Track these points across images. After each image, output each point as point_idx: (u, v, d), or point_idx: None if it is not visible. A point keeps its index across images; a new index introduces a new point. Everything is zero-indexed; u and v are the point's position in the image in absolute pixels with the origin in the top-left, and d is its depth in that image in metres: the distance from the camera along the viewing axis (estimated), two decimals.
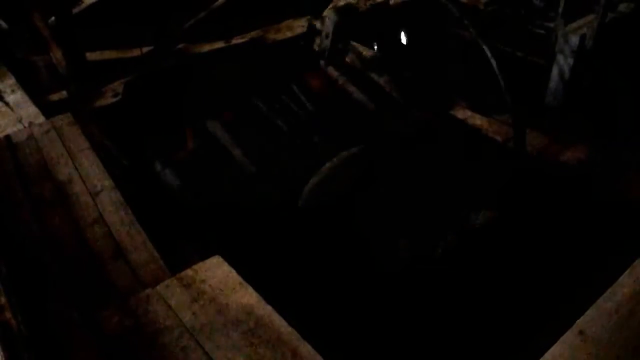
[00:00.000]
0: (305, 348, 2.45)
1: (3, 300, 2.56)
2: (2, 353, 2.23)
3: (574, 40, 4.12)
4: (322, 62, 4.59)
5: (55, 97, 4.64)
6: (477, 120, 4.47)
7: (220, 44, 5.44)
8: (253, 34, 5.65)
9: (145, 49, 5.28)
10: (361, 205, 3.80)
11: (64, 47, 4.80)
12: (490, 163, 4.17)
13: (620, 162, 3.94)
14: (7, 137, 3.96)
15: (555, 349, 2.37)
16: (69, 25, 4.81)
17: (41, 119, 4.19)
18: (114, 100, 4.70)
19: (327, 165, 3.71)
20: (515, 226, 3.72)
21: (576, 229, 3.63)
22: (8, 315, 2.47)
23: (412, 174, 4.08)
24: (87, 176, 3.57)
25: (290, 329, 2.54)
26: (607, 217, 3.62)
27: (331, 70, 4.61)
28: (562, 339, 2.41)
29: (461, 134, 4.46)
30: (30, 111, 4.28)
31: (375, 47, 5.31)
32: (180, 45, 5.35)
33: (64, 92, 4.66)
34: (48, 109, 4.41)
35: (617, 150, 4.04)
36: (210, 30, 5.51)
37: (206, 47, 5.39)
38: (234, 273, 2.85)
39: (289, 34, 5.59)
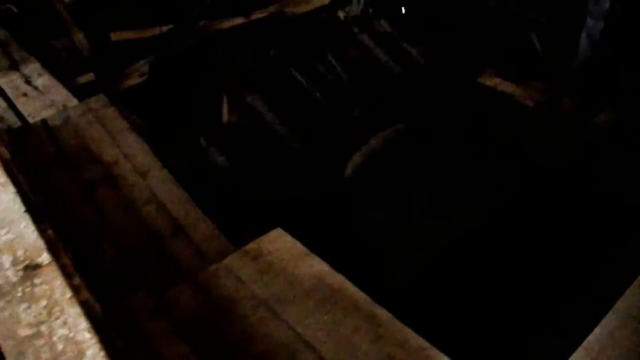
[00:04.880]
0: (382, 313, 2.50)
1: (77, 280, 2.57)
2: (92, 333, 2.24)
3: (605, 2, 4.12)
4: (355, 30, 4.54)
5: (82, 79, 4.60)
6: (507, 87, 4.50)
7: (240, 20, 5.39)
8: (272, 8, 5.60)
9: (165, 28, 5.21)
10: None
11: (86, 29, 4.74)
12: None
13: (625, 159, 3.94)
14: (44, 122, 3.93)
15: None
16: (89, 6, 4.74)
17: (74, 101, 4.14)
18: (141, 80, 4.66)
19: (371, 144, 3.73)
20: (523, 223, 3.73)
21: (582, 224, 3.66)
22: (86, 294, 2.49)
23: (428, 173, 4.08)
24: (133, 156, 3.56)
25: (364, 295, 2.58)
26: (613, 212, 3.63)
27: (365, 39, 4.58)
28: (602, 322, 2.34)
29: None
30: (62, 94, 4.24)
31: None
32: (201, 23, 5.29)
33: (91, 75, 4.61)
34: (76, 92, 4.37)
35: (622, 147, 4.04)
36: (230, 6, 5.45)
37: (226, 24, 5.34)
38: (298, 244, 2.87)
39: (308, 7, 5.55)
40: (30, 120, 3.99)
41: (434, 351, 2.33)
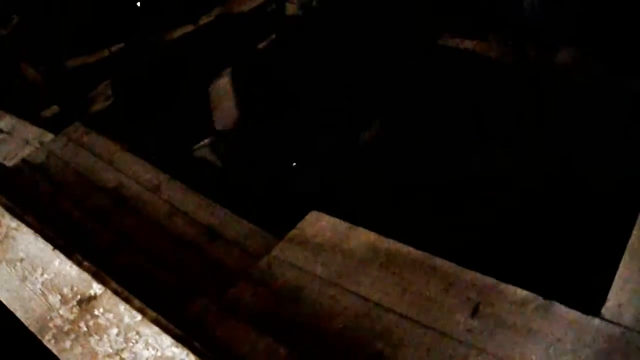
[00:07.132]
0: (444, 263, 2.59)
1: (138, 302, 2.48)
2: (180, 347, 2.20)
3: None
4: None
5: (47, 113, 4.36)
6: (468, 44, 4.70)
7: (189, 28, 5.30)
8: (216, 11, 5.55)
9: (114, 48, 5.05)
10: None
11: (34, 62, 4.51)
12: None
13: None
14: (25, 161, 3.71)
15: None
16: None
17: (49, 135, 3.93)
18: (108, 103, 4.49)
19: None
20: None
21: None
22: (153, 313, 2.42)
23: None
24: (137, 175, 3.45)
25: (419, 251, 2.67)
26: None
27: None
28: None
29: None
30: (32, 131, 4.01)
31: None
32: (152, 36, 5.16)
33: (55, 107, 4.38)
34: (44, 127, 4.14)
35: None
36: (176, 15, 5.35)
37: (177, 33, 5.24)
38: (338, 220, 2.91)
39: (253, 3, 5.54)
40: (9, 163, 3.76)
41: (503, 285, 2.45)
